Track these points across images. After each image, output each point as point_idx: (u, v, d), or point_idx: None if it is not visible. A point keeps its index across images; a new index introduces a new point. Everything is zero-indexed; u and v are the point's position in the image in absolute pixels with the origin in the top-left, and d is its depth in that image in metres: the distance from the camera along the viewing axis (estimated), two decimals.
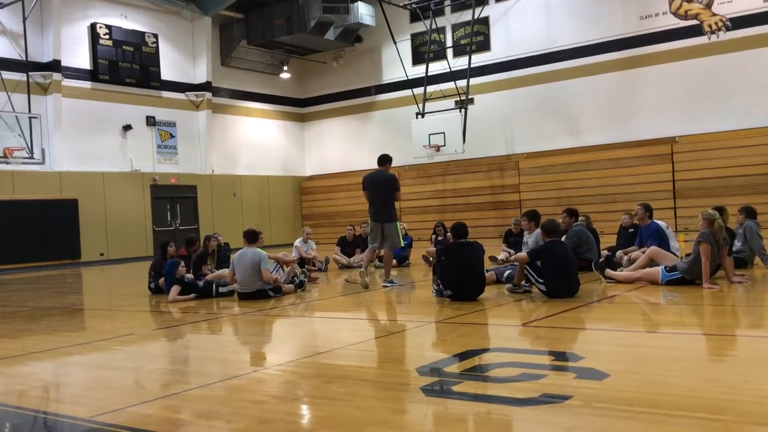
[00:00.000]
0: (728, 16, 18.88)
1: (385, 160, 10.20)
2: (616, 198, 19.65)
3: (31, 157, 18.85)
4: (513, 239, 12.75)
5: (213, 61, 24.33)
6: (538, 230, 9.14)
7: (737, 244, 9.60)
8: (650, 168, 19.73)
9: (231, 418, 3.69)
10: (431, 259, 9.45)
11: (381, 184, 9.98)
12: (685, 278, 8.07)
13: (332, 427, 3.47)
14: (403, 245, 10.70)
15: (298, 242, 13.35)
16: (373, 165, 10.39)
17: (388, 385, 4.31)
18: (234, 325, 7.54)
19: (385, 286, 9.69)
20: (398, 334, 6.23)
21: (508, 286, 8.38)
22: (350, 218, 19.24)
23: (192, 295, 9.37)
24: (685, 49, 19.49)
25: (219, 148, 24.65)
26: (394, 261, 13.47)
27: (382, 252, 10.51)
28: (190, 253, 10.81)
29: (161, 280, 9.93)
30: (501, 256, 12.31)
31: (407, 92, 23.13)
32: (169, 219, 22.71)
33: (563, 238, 10.18)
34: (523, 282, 8.09)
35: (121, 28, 21.66)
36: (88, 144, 20.82)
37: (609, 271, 8.98)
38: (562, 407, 3.55)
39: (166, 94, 23.06)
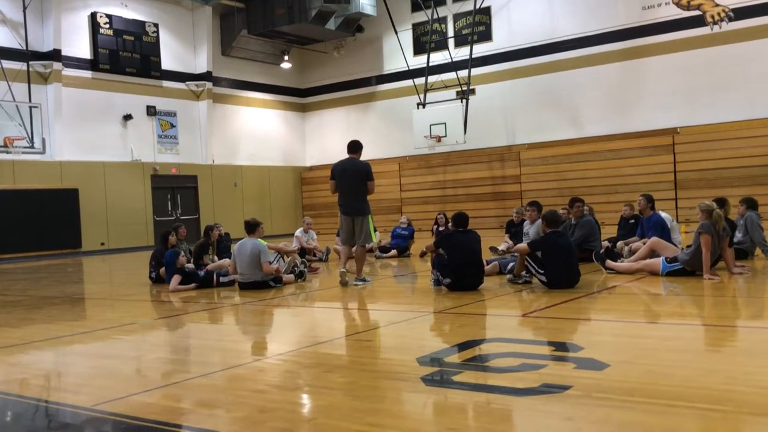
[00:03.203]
0: (731, 7, 18.79)
1: (356, 146, 9.26)
2: (617, 189, 19.64)
3: (32, 147, 18.84)
4: (515, 229, 12.76)
5: (213, 51, 24.26)
6: (539, 220, 9.16)
7: (738, 235, 9.60)
8: (651, 159, 19.70)
9: (232, 407, 3.70)
10: (429, 253, 9.00)
11: (353, 174, 8.99)
12: (686, 269, 8.08)
13: (332, 416, 3.48)
14: (375, 241, 9.61)
15: (298, 232, 13.36)
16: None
17: (389, 374, 4.33)
18: (235, 315, 7.55)
19: (356, 285, 8.93)
20: (398, 324, 6.24)
21: (508, 276, 8.40)
22: None
23: (193, 285, 9.39)
24: (687, 39, 19.41)
25: (219, 138, 24.62)
26: (395, 251, 13.51)
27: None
28: (177, 240, 10.75)
29: (162, 270, 9.95)
30: (502, 246, 12.32)
31: (408, 82, 23.07)
32: (169, 209, 22.71)
33: (575, 228, 10.23)
34: (523, 273, 8.10)
35: (121, 17, 21.58)
36: (88, 133, 20.79)
37: (609, 262, 8.99)
38: (561, 397, 3.56)
39: (166, 83, 23.01)
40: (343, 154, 9.54)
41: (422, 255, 12.68)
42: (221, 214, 22.45)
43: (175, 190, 22.89)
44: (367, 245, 9.40)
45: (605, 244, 10.38)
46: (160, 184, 22.31)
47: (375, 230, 14.38)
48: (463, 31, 22.91)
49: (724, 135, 18.73)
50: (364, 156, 9.64)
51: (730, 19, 18.82)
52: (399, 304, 7.80)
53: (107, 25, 21.19)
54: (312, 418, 3.54)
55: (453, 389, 3.89)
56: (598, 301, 7.09)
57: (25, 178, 18.97)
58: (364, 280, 9.11)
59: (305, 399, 3.95)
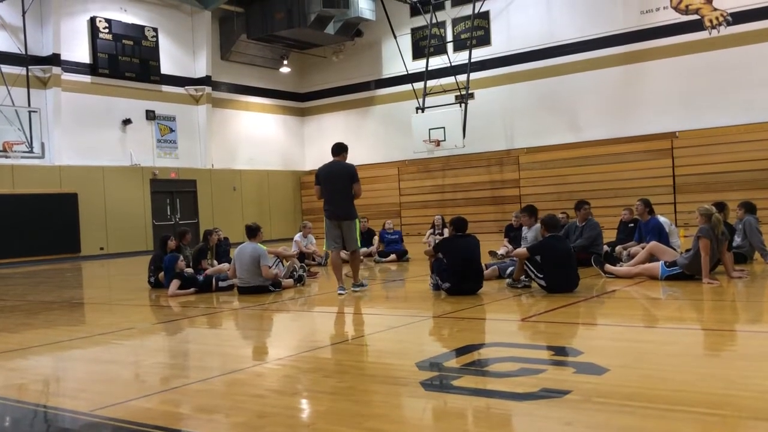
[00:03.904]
0: (729, 11, 18.84)
1: (339, 149, 8.82)
2: (616, 193, 19.65)
3: (31, 151, 18.84)
4: (513, 233, 12.77)
5: (213, 56, 24.29)
6: (537, 225, 9.15)
7: (737, 240, 9.61)
8: (650, 163, 19.73)
9: (231, 412, 3.69)
10: (429, 258, 8.71)
11: (339, 177, 8.60)
12: (685, 273, 8.07)
13: (332, 421, 3.48)
14: (359, 246, 9.10)
15: (297, 237, 13.35)
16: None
17: (388, 379, 4.32)
18: (234, 320, 7.55)
19: (354, 291, 8.68)
20: (397, 328, 6.24)
21: (507, 281, 8.40)
22: None
23: (192, 290, 9.38)
24: (685, 44, 19.46)
25: (219, 143, 24.63)
26: (394, 255, 13.52)
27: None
28: (180, 245, 10.76)
29: (161, 275, 9.93)
30: (501, 251, 12.32)
31: (407, 87, 23.10)
32: (168, 213, 22.71)
33: (582, 230, 10.25)
34: (522, 277, 8.10)
35: (120, 21, 21.62)
36: (87, 138, 20.80)
37: (608, 266, 8.99)
38: (561, 402, 3.56)
39: (165, 88, 23.03)
40: None
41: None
42: (220, 218, 22.46)
43: (174, 195, 22.89)
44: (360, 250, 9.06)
45: (604, 248, 10.39)
46: (159, 189, 22.31)
47: (373, 236, 14.51)
48: (462, 36, 22.95)
49: (722, 139, 18.76)
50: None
51: (728, 24, 18.87)
52: (398, 309, 7.80)
53: (106, 30, 21.22)
54: (311, 423, 3.54)
55: (452, 394, 3.88)
56: (598, 306, 7.09)
57: (24, 182, 18.97)
58: (362, 285, 8.86)
59: (304, 404, 3.95)
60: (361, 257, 13.58)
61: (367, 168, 23.27)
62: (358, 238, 8.80)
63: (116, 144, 21.67)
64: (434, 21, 22.65)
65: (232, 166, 24.97)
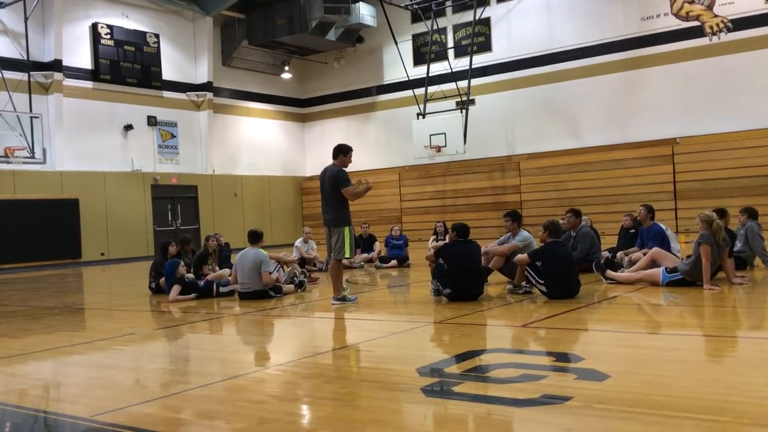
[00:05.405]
0: (729, 18, 18.88)
1: (335, 152, 8.33)
2: (617, 199, 19.65)
3: (32, 157, 18.86)
4: None
5: (214, 61, 24.35)
6: (523, 232, 9.10)
7: (738, 245, 9.61)
8: (651, 169, 19.74)
9: (231, 418, 3.69)
10: (429, 263, 8.52)
11: (327, 182, 8.22)
12: (686, 279, 8.07)
13: (332, 427, 3.47)
14: (348, 256, 8.45)
15: (298, 242, 13.36)
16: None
17: (389, 385, 4.31)
18: (234, 325, 7.54)
19: (333, 305, 8.14)
20: (398, 334, 6.23)
21: (508, 286, 8.39)
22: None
23: (192, 295, 9.37)
24: (686, 50, 19.50)
25: (220, 148, 24.66)
26: (394, 261, 13.51)
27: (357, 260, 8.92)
28: (182, 251, 10.73)
29: (162, 280, 9.94)
30: None
31: (408, 93, 23.14)
32: (169, 219, 22.71)
33: (575, 241, 10.24)
34: (523, 283, 8.10)
35: (122, 27, 21.67)
36: (89, 144, 20.84)
37: (610, 272, 8.98)
38: (562, 408, 3.55)
39: (167, 94, 23.08)
40: None
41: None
42: (221, 224, 22.46)
43: (175, 200, 22.91)
44: (344, 259, 8.50)
45: (605, 254, 10.38)
46: (160, 194, 22.32)
47: (382, 241, 14.44)
48: (463, 42, 23.00)
49: (723, 145, 18.77)
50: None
51: (729, 30, 18.90)
52: (399, 315, 7.79)
53: (108, 36, 21.27)
54: (312, 429, 3.54)
55: (453, 400, 3.88)
56: (599, 312, 7.08)
57: (26, 188, 18.98)
58: (344, 299, 8.20)
59: (305, 410, 3.94)
60: (362, 263, 13.70)
61: (368, 174, 23.26)
62: (347, 247, 8.15)
63: (117, 150, 21.70)
64: (435, 27, 22.70)
65: (233, 172, 24.99)
